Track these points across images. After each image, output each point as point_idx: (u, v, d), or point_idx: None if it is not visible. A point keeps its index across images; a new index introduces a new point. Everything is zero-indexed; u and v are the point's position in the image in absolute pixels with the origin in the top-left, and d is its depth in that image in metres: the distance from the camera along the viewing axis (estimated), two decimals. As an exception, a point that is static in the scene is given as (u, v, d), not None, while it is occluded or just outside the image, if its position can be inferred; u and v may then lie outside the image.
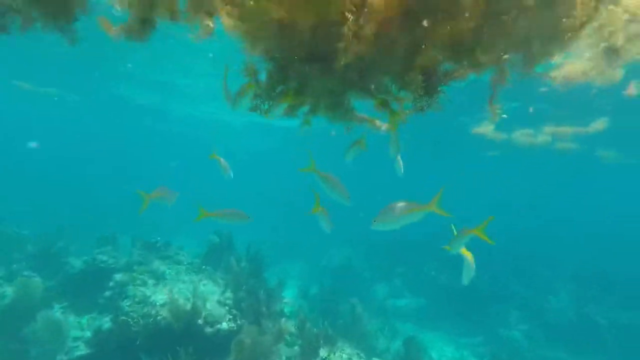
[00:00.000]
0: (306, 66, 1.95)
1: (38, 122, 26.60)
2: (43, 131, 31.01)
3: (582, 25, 1.61)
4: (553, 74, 6.77)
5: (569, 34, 1.64)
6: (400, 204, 2.38)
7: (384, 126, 2.75)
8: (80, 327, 7.45)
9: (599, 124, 11.29)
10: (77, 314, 7.81)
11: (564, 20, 1.59)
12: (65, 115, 22.63)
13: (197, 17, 1.92)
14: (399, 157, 3.91)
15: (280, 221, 20.63)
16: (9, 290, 7.53)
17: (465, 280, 3.43)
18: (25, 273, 8.21)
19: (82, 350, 6.68)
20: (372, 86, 2.08)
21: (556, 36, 1.65)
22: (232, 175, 4.24)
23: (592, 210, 30.27)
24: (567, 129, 11.92)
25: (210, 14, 1.92)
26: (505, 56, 1.76)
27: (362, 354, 7.78)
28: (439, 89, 1.92)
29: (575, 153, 14.06)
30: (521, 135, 13.08)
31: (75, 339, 7.10)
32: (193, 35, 2.01)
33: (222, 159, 4.18)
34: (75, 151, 41.74)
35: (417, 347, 10.06)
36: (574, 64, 6.28)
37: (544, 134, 12.73)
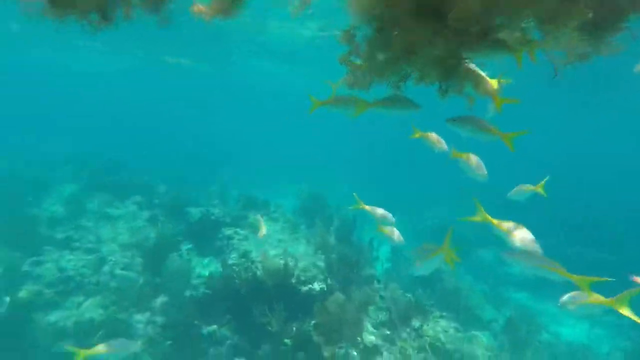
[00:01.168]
0: (414, 23, 1.52)
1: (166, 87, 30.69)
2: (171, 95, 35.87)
3: None
4: None
5: None
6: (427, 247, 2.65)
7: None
8: (202, 267, 8.76)
9: None
10: (200, 255, 9.18)
11: None
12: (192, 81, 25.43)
13: None
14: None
15: (384, 176, 20.12)
16: (152, 232, 9.20)
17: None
18: (162, 218, 9.90)
19: (203, 289, 7.89)
20: (503, 38, 1.50)
21: None
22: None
23: None
24: None
25: None
26: None
27: (460, 327, 7.27)
28: (620, 24, 1.24)
29: None
30: None
31: (198, 276, 8.41)
32: (291, 9, 1.72)
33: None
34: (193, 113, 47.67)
35: (530, 320, 8.95)
36: None
37: None
